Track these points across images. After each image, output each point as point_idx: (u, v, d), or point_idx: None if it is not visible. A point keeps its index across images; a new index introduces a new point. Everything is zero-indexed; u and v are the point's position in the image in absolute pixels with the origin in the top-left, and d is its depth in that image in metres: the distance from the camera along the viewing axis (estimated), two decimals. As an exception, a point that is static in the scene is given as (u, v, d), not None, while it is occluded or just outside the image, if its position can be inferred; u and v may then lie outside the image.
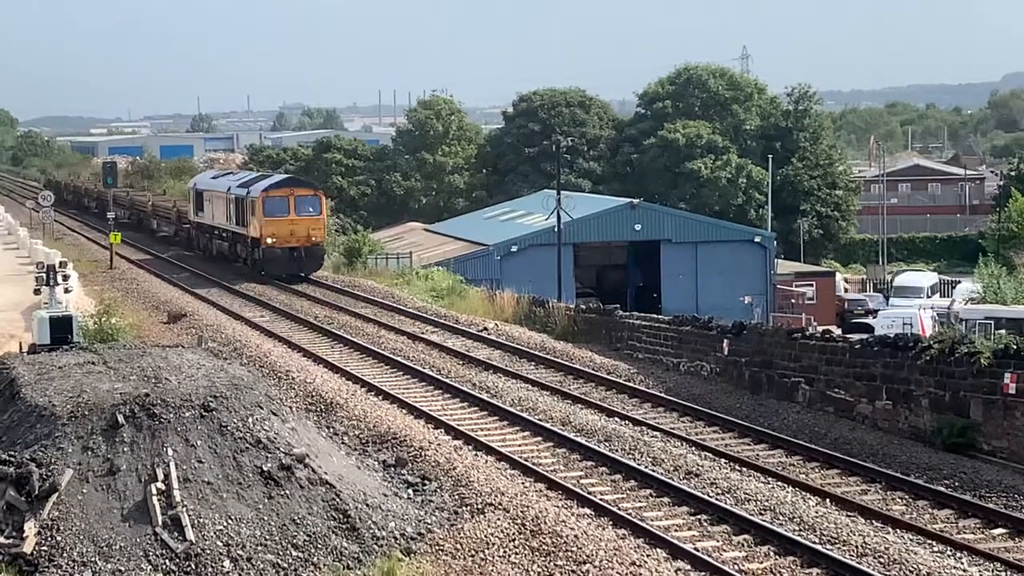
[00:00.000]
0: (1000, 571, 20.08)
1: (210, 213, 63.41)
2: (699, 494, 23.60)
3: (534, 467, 25.47)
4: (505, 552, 20.55)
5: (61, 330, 33.16)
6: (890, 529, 22.02)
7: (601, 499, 23.45)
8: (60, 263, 40.33)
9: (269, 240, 54.51)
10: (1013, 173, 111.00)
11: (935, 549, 21.01)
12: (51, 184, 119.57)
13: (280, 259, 54.60)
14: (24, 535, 19.13)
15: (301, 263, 55.00)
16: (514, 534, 21.18)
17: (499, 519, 21.82)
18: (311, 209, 55.61)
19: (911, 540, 21.43)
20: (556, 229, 63.29)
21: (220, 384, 22.23)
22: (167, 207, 77.04)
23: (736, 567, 20.11)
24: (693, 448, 27.40)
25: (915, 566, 19.91)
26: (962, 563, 20.33)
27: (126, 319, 40.82)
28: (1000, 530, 22.25)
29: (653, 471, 25.20)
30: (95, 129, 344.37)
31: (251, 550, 19.63)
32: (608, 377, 35.06)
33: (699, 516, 22.69)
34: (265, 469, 20.85)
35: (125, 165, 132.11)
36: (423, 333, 41.74)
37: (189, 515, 19.74)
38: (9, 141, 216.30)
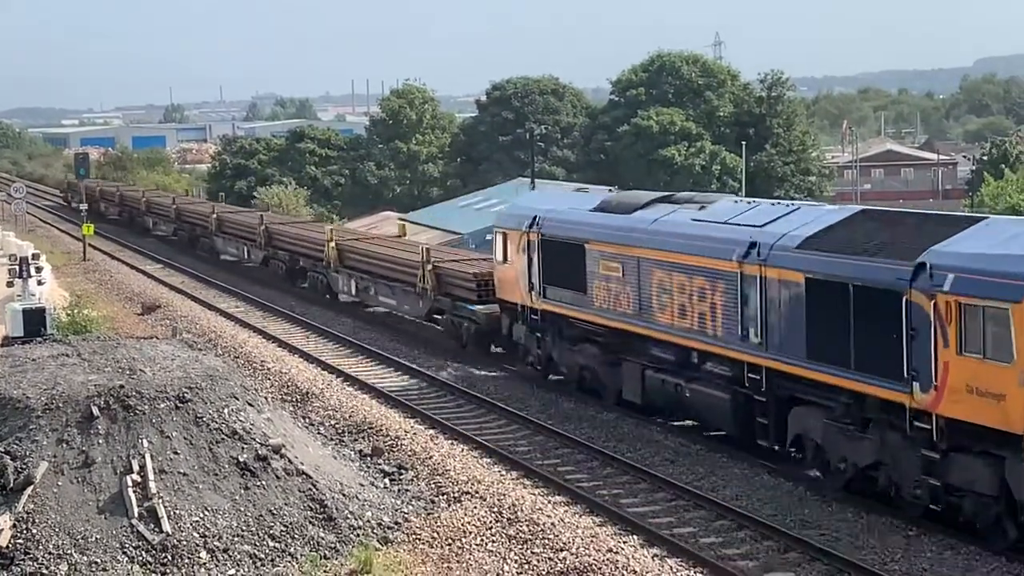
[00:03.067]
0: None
1: (621, 298, 28.02)
2: (676, 481, 23.66)
3: (511, 455, 25.48)
4: (482, 540, 20.57)
5: (34, 322, 33.05)
6: (864, 514, 22.09)
7: (578, 487, 23.48)
8: (33, 255, 40.10)
9: None
10: (985, 158, 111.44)
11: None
12: (69, 188, 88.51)
13: None
14: (-1, 528, 19.07)
15: None
16: (491, 522, 21.20)
17: (476, 507, 21.84)
18: None
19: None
20: (531, 217, 62.94)
21: (195, 375, 22.17)
22: (396, 258, 40.87)
23: (713, 553, 20.17)
24: (670, 434, 27.43)
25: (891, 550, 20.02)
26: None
27: (100, 311, 40.70)
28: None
29: (630, 458, 25.24)
30: (66, 120, 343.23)
31: (228, 541, 19.60)
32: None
33: (676, 502, 22.75)
34: (241, 460, 20.81)
35: (97, 156, 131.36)
36: (398, 323, 41.65)
37: (165, 506, 19.70)
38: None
